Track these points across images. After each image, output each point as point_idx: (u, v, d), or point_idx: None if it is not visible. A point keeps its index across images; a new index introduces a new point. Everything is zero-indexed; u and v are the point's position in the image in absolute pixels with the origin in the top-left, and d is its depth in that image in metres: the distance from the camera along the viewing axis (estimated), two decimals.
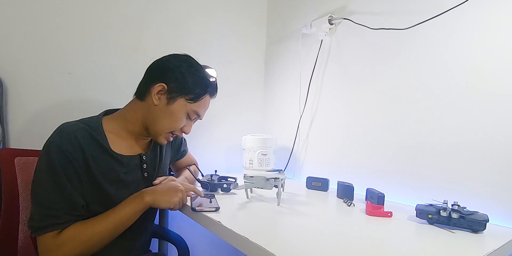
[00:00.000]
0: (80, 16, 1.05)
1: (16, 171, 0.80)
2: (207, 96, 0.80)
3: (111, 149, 0.71)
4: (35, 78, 0.99)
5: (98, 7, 1.08)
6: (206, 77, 0.80)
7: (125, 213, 0.66)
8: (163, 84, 0.74)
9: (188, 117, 0.79)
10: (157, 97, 0.74)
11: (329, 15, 1.11)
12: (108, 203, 0.68)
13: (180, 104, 0.75)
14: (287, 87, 1.38)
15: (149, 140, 0.84)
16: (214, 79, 0.83)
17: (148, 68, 0.79)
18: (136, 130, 0.78)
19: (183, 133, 0.82)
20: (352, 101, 1.08)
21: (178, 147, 1.01)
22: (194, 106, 0.77)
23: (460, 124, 0.79)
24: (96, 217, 0.66)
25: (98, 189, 0.68)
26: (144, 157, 0.78)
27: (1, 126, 0.91)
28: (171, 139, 0.81)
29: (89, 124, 0.70)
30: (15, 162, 0.81)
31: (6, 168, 0.79)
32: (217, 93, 0.86)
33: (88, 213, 0.67)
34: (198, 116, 0.82)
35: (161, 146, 0.85)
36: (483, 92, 0.75)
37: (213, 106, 1.35)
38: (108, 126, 0.73)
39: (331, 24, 1.12)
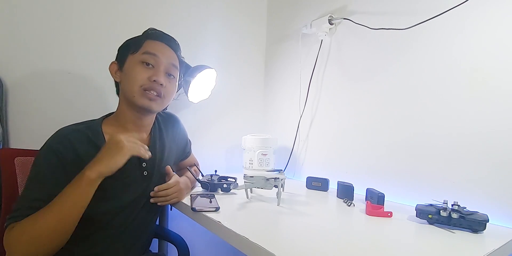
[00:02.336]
0: (80, 16, 1.05)
1: (16, 171, 0.80)
2: (149, 41, 0.77)
3: None
4: (35, 78, 0.99)
5: (98, 7, 1.08)
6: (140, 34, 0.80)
7: (68, 197, 0.59)
8: (114, 61, 0.78)
9: (146, 64, 0.74)
10: (116, 75, 0.77)
11: (329, 15, 1.11)
12: (105, 202, 0.68)
13: (129, 61, 0.75)
14: (287, 87, 1.38)
15: (148, 136, 0.83)
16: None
17: None
18: (128, 121, 0.77)
19: (161, 85, 0.74)
20: (352, 101, 1.08)
21: (184, 148, 1.00)
22: (140, 52, 0.74)
23: (460, 124, 0.79)
24: (44, 207, 0.60)
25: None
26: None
27: (1, 126, 0.91)
28: (153, 96, 0.74)
29: (88, 126, 0.71)
30: (15, 162, 0.81)
31: (6, 168, 0.79)
32: (171, 41, 0.81)
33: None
34: (155, 56, 0.74)
35: (160, 144, 0.84)
36: (483, 92, 0.75)
37: (213, 106, 1.37)
38: (106, 127, 0.75)
39: (331, 24, 1.12)
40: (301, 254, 0.49)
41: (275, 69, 1.47)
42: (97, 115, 0.81)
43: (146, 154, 0.68)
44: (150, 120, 0.83)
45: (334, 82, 1.15)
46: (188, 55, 1.26)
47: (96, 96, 1.09)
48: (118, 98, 0.82)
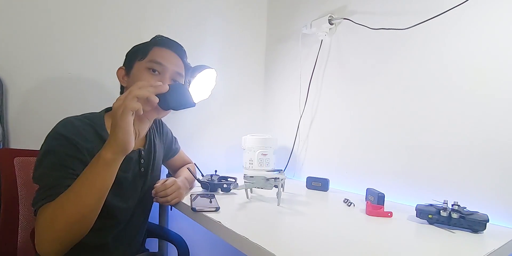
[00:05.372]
0: (80, 16, 1.05)
1: (16, 171, 0.80)
2: (156, 48, 0.78)
3: None
4: (35, 78, 0.99)
5: (98, 7, 1.08)
6: (148, 40, 0.82)
7: (84, 178, 0.57)
8: (121, 67, 0.80)
9: (153, 70, 0.75)
10: (124, 80, 0.79)
11: (329, 15, 1.11)
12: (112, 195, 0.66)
13: (136, 67, 0.77)
14: (287, 87, 1.38)
15: (144, 137, 0.84)
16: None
17: None
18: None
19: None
20: (352, 101, 1.08)
21: (170, 145, 1.02)
22: (147, 59, 0.76)
23: (460, 124, 0.79)
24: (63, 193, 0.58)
25: None
26: (142, 152, 0.80)
27: (1, 126, 0.91)
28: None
29: (93, 120, 0.71)
30: (14, 162, 0.81)
31: (6, 168, 0.79)
32: (179, 49, 0.82)
33: None
34: (161, 65, 0.75)
35: (154, 143, 0.86)
36: (483, 92, 0.75)
37: (213, 106, 1.37)
38: (108, 122, 0.74)
39: (331, 24, 1.12)
40: (301, 254, 0.49)
41: (275, 69, 1.47)
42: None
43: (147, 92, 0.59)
44: (149, 122, 0.84)
45: (334, 82, 1.15)
46: (188, 55, 1.26)
47: (96, 96, 1.09)
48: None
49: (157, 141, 0.90)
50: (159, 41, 0.81)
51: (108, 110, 0.80)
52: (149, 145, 0.84)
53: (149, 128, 0.87)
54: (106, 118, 0.75)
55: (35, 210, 0.59)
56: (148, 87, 0.60)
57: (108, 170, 0.59)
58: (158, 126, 0.96)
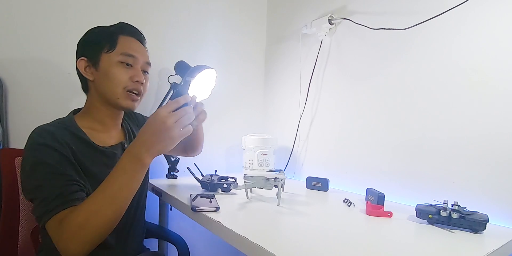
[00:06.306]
0: (80, 16, 1.05)
1: (17, 171, 0.80)
2: (122, 37, 0.74)
3: (94, 143, 0.71)
4: (35, 78, 0.99)
5: (97, 7, 1.08)
6: (107, 26, 0.76)
7: (122, 182, 0.58)
8: (82, 58, 0.73)
9: (125, 64, 0.73)
10: (88, 73, 0.73)
11: (329, 15, 1.11)
12: None
13: (105, 60, 0.72)
14: (287, 87, 1.38)
15: (121, 128, 0.84)
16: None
17: None
18: (104, 117, 0.77)
19: (142, 85, 0.75)
20: (352, 101, 1.08)
21: None
22: (117, 52, 0.72)
23: (460, 124, 0.79)
24: (91, 194, 0.59)
25: (93, 179, 0.67)
26: (125, 145, 0.79)
27: (1, 126, 0.91)
28: (136, 97, 0.75)
29: (65, 123, 0.70)
30: (15, 162, 0.81)
31: (7, 168, 0.79)
32: (142, 37, 0.80)
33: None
34: (134, 57, 0.74)
35: (133, 131, 0.86)
36: (482, 92, 0.75)
37: (213, 106, 1.36)
38: (81, 122, 0.73)
39: (331, 24, 1.12)
40: (301, 254, 0.49)
41: (275, 69, 1.47)
42: None
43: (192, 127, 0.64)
44: (122, 113, 0.84)
45: (334, 82, 1.15)
46: (188, 55, 1.27)
47: None
48: None
49: (135, 129, 0.89)
50: (125, 29, 0.76)
51: (76, 112, 0.78)
52: (129, 136, 0.83)
53: (124, 120, 0.86)
54: (77, 120, 0.73)
55: (43, 223, 0.58)
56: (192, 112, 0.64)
57: (144, 172, 0.61)
58: (129, 112, 0.94)
